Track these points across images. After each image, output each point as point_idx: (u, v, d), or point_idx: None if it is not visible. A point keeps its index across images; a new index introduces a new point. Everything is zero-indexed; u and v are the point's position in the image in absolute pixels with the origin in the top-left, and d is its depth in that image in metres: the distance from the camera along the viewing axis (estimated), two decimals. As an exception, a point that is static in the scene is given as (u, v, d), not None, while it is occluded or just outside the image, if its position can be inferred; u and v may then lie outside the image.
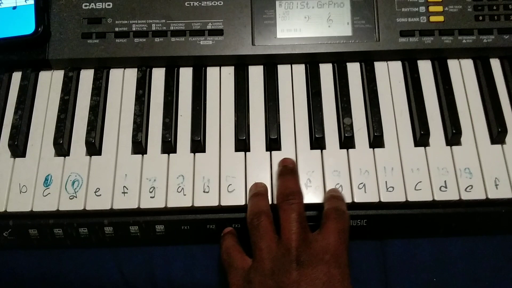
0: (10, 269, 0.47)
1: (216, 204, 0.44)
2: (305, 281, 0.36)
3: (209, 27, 0.50)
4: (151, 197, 0.44)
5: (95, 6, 0.50)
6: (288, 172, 0.43)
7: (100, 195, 0.44)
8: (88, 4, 0.50)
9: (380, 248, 0.48)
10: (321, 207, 0.43)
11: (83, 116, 0.48)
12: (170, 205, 0.44)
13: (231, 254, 0.41)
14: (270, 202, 0.43)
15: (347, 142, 0.46)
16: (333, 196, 0.43)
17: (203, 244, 0.47)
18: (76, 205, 0.44)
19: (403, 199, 0.44)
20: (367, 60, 0.50)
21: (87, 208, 0.44)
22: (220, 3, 0.50)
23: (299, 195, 0.41)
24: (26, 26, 0.48)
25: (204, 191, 0.44)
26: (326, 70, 0.50)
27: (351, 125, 0.47)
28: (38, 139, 0.47)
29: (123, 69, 0.50)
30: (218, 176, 0.45)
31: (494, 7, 0.50)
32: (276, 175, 0.44)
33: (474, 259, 0.47)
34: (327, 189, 0.45)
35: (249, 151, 0.47)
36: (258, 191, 0.43)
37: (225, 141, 0.47)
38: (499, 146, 0.47)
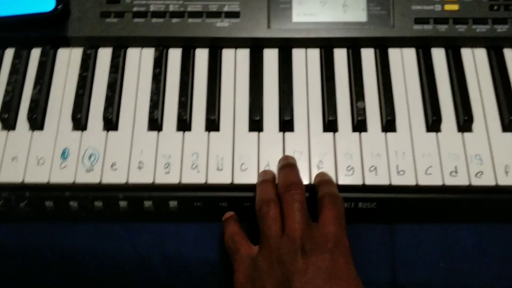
0: (23, 242, 0.48)
1: (229, 181, 0.45)
2: (311, 269, 0.37)
3: (225, 9, 0.50)
4: (166, 172, 0.45)
5: (115, -15, 0.51)
6: (289, 165, 0.44)
7: (116, 169, 0.45)
8: (107, -17, 0.51)
9: (389, 232, 0.49)
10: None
11: (101, 92, 0.49)
12: (184, 181, 0.45)
13: (237, 240, 0.42)
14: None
15: (359, 125, 0.47)
16: (323, 181, 0.43)
17: (214, 222, 0.48)
18: (92, 178, 0.45)
19: (414, 183, 0.45)
20: (381, 46, 0.51)
21: (103, 182, 0.44)
22: (238, -15, 0.51)
23: (301, 186, 0.41)
24: (46, 3, 0.49)
25: (217, 169, 0.45)
26: (340, 55, 0.51)
27: (364, 109, 0.47)
28: (56, 114, 0.48)
29: (140, 48, 0.51)
30: (232, 155, 0.46)
31: (509, -3, 0.51)
32: (277, 170, 0.45)
33: (481, 246, 0.48)
34: (339, 171, 0.45)
35: (262, 131, 0.47)
36: (266, 178, 0.44)
37: (239, 121, 0.48)
38: (510, 134, 0.47)
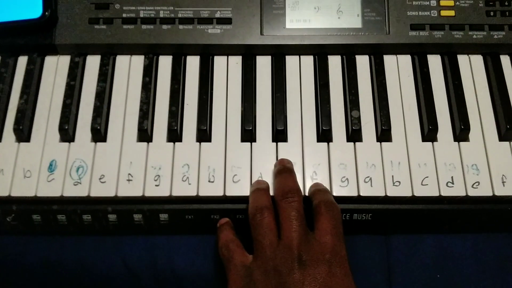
0: (12, 255, 0.47)
1: (221, 194, 0.44)
2: (308, 280, 0.36)
3: (217, 15, 0.49)
4: (156, 185, 0.44)
5: (103, -9, 0.49)
6: (286, 170, 0.42)
7: (105, 182, 0.44)
8: (96, -11, 0.50)
9: (384, 243, 0.48)
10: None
11: (89, 102, 0.47)
12: (174, 193, 0.44)
13: (231, 249, 0.41)
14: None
15: (354, 135, 0.46)
16: (317, 190, 0.42)
17: (206, 235, 0.47)
18: (80, 191, 0.43)
19: (410, 194, 0.44)
20: (377, 53, 0.50)
21: (92, 195, 0.43)
22: (229, -9, 0.50)
23: (298, 193, 0.40)
24: (33, 9, 0.48)
25: (209, 181, 0.44)
26: (334, 62, 0.50)
27: (358, 118, 0.46)
28: (43, 124, 0.47)
29: (129, 56, 0.50)
30: (224, 166, 0.45)
31: (506, 3, 0.50)
32: (273, 175, 0.44)
33: (478, 257, 0.47)
34: (333, 182, 0.44)
35: (255, 141, 0.46)
36: (260, 187, 0.43)
37: (231, 131, 0.47)
38: (507, 143, 0.46)
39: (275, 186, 0.41)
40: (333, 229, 0.39)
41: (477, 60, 0.50)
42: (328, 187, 0.44)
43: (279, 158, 0.45)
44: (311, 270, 0.37)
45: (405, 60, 0.50)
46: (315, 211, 0.40)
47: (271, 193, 0.43)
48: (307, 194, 0.44)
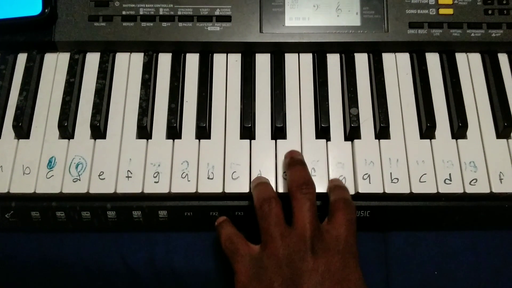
0: (10, 252, 0.47)
1: (220, 190, 0.44)
2: (322, 269, 0.36)
3: (217, 13, 0.49)
4: (155, 182, 0.44)
5: (103, -12, 0.50)
6: (298, 162, 0.42)
7: (104, 178, 0.44)
8: (95, -14, 0.50)
9: (383, 240, 0.48)
10: (323, 197, 0.43)
11: (88, 99, 0.47)
12: (174, 190, 0.44)
13: (235, 241, 0.40)
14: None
15: (353, 132, 0.46)
16: (338, 186, 0.43)
17: (205, 232, 0.47)
18: (79, 188, 0.43)
19: (408, 191, 0.44)
20: (375, 51, 0.50)
21: (91, 192, 0.43)
22: (229, -11, 0.50)
23: (312, 185, 0.40)
24: (33, 7, 0.48)
25: (208, 178, 0.44)
26: (333, 60, 0.50)
27: (357, 115, 0.46)
28: (42, 121, 0.47)
29: (129, 53, 0.50)
30: (223, 163, 0.45)
31: (504, 2, 0.50)
32: (284, 166, 0.44)
33: (476, 254, 0.47)
34: (332, 178, 0.44)
35: (254, 139, 0.46)
36: (261, 181, 0.43)
37: (231, 128, 0.47)
38: (504, 140, 0.46)
39: (289, 177, 0.41)
40: (348, 223, 0.39)
41: (475, 58, 0.50)
42: (326, 183, 0.44)
43: (278, 155, 0.45)
44: (325, 259, 0.37)
45: (404, 58, 0.50)
46: (332, 206, 0.40)
47: (275, 189, 0.43)
48: (319, 190, 0.43)
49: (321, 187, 0.44)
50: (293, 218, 0.39)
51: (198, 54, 0.50)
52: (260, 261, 0.38)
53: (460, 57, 0.50)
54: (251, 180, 0.44)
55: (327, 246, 0.38)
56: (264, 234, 0.39)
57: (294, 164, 0.42)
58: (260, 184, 0.42)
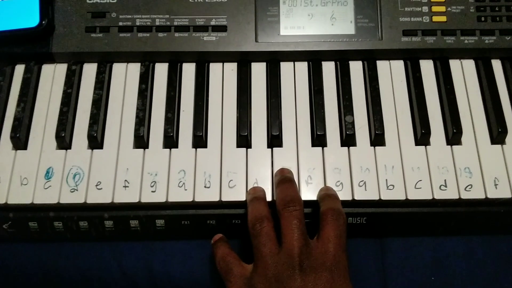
0: (9, 262, 0.47)
1: (217, 199, 0.44)
2: (309, 286, 0.37)
3: (213, 23, 0.50)
4: (152, 191, 0.44)
5: (99, 0, 0.50)
6: (287, 180, 0.43)
7: (101, 188, 0.44)
8: (92, -2, 0.50)
9: (379, 246, 0.48)
10: (317, 205, 0.43)
11: (86, 109, 0.48)
12: (171, 199, 0.44)
13: (229, 261, 0.41)
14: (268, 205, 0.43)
15: (348, 140, 0.46)
16: (328, 195, 0.43)
17: (203, 240, 0.47)
18: (77, 198, 0.44)
19: (403, 197, 0.44)
20: (370, 58, 0.50)
21: (88, 201, 0.44)
22: (224, -1, 0.50)
23: (299, 202, 0.41)
24: (31, 18, 0.48)
25: (205, 186, 0.44)
26: (328, 68, 0.50)
27: (352, 123, 0.47)
28: (40, 132, 0.47)
29: (126, 63, 0.50)
30: (220, 172, 0.45)
31: (497, 8, 0.50)
32: (274, 184, 0.44)
33: (472, 259, 0.48)
34: (322, 187, 0.45)
35: (250, 147, 0.47)
36: (257, 195, 0.43)
37: (227, 137, 0.47)
38: (499, 146, 0.47)
39: (277, 195, 0.42)
40: (336, 238, 0.39)
41: (469, 65, 0.51)
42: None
43: (274, 163, 0.46)
44: (312, 277, 0.37)
45: (398, 66, 0.51)
46: (321, 217, 0.40)
47: (271, 198, 0.43)
48: (315, 198, 0.44)
49: (316, 195, 0.44)
50: (281, 236, 0.39)
51: (194, 63, 0.51)
52: (252, 280, 0.38)
53: (454, 64, 0.51)
54: (248, 189, 0.44)
55: (315, 263, 0.38)
56: (256, 253, 0.39)
57: (283, 182, 0.42)
58: (254, 200, 0.42)
